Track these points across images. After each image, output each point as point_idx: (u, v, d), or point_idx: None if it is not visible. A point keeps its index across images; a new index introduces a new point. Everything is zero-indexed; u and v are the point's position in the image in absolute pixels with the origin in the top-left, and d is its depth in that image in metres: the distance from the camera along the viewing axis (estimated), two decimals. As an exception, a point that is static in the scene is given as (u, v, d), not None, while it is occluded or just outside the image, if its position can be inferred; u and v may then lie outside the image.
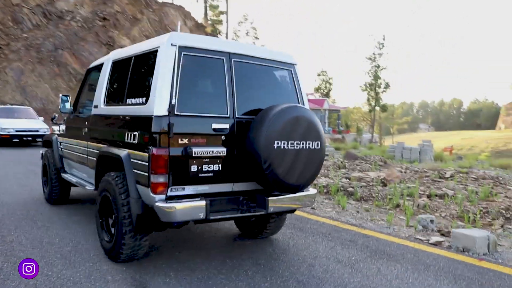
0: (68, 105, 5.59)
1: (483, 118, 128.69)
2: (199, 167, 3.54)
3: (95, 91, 4.87)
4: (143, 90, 3.74)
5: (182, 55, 3.53)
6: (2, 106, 16.81)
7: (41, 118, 17.20)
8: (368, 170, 11.69)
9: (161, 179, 3.39)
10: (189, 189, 3.54)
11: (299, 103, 4.28)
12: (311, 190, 4.29)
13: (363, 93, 51.86)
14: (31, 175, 9.20)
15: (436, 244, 5.01)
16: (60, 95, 5.62)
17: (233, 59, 3.87)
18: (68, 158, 5.74)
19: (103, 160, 4.27)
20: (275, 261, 4.16)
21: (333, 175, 10.35)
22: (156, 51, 3.62)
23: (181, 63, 3.50)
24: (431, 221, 5.87)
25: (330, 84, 61.56)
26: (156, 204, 3.37)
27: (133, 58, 4.12)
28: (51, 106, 27.22)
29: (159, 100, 3.43)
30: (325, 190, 8.55)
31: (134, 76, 4.06)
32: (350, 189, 8.47)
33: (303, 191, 4.05)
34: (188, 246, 4.54)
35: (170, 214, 3.34)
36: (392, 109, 61.70)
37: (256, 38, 63.08)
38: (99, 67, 4.98)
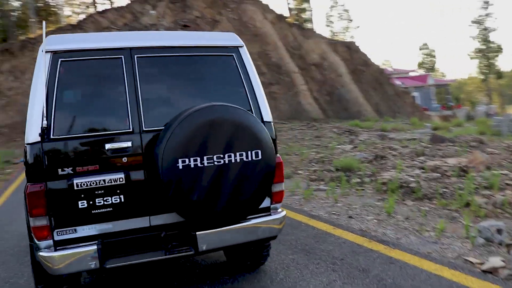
0: None
1: None
2: (90, 202, 2.66)
3: None
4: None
5: (59, 62, 2.73)
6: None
7: None
8: (453, 156, 9.72)
9: (40, 222, 2.61)
10: (84, 230, 2.71)
11: (247, 96, 3.14)
12: (276, 214, 3.13)
13: (473, 62, 46.31)
14: None
15: (491, 272, 3.46)
16: None
17: (136, 56, 2.92)
18: None
19: None
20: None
21: (403, 166, 8.61)
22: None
23: (58, 73, 2.70)
24: (498, 231, 4.24)
25: (434, 57, 56.30)
26: (39, 253, 2.62)
27: None
28: None
29: (30, 123, 2.68)
30: (384, 188, 7.09)
31: None
32: (414, 184, 6.88)
33: (245, 221, 2.93)
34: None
35: (50, 265, 2.58)
36: (510, 74, 54.28)
37: (350, 20, 60.88)
38: None
